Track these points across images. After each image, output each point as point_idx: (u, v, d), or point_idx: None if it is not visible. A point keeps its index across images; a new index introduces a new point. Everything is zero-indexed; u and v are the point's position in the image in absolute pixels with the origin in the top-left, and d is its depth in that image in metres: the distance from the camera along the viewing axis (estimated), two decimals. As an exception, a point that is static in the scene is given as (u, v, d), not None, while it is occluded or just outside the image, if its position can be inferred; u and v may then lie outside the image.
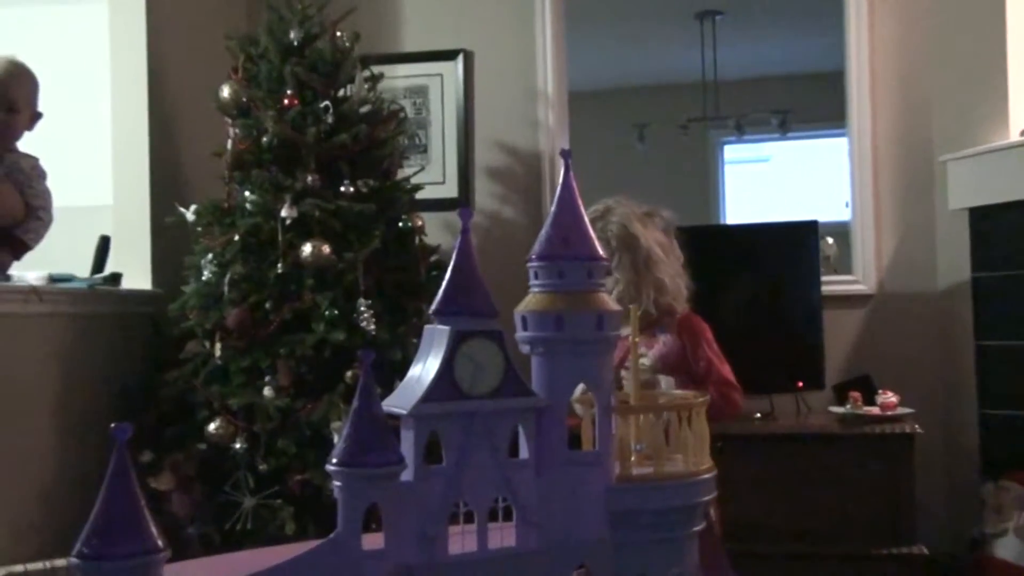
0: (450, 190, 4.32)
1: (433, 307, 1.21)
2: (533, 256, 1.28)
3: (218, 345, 3.16)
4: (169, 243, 3.58)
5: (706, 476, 1.29)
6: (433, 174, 4.26)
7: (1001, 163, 3.56)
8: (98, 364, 3.26)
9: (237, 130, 3.38)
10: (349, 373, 3.12)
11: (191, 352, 3.24)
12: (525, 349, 1.26)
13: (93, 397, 3.23)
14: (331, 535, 1.08)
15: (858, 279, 4.07)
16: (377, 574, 1.07)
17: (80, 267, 3.39)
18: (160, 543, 0.99)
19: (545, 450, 1.22)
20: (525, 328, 1.25)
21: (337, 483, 1.08)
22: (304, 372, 3.15)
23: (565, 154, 1.33)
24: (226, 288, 3.21)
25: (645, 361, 2.77)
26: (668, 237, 2.93)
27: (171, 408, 3.19)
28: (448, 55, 4.34)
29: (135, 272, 3.54)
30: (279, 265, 3.20)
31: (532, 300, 1.26)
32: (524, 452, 1.22)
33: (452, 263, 1.22)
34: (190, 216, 3.40)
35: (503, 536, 1.18)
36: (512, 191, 4.35)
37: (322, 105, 3.38)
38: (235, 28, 3.60)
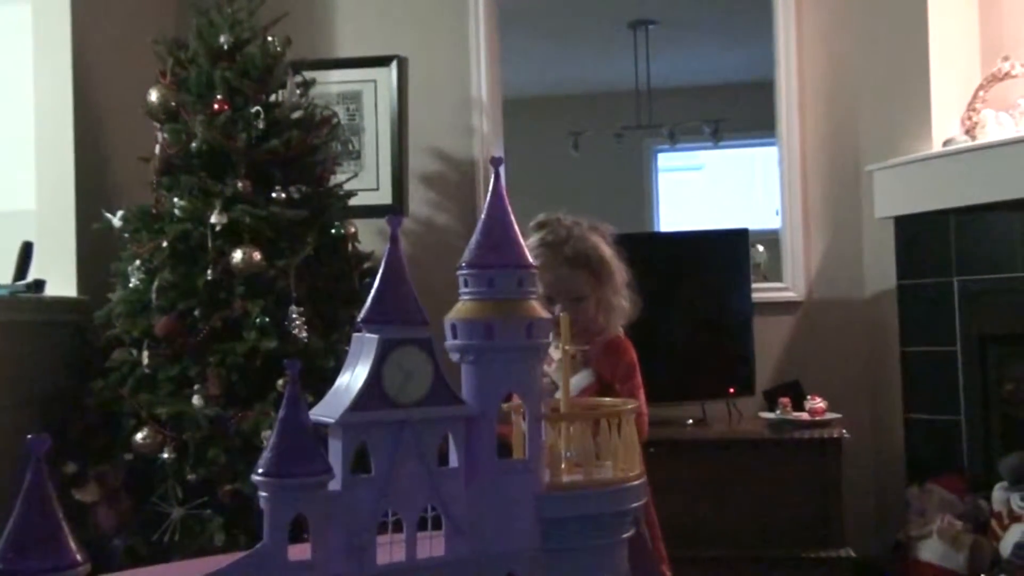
0: (384, 197, 4.29)
1: (362, 315, 1.20)
2: (463, 264, 1.27)
3: (146, 353, 3.10)
4: (95, 249, 3.51)
5: (636, 482, 1.29)
6: (367, 181, 4.24)
7: (925, 173, 3.63)
8: (21, 373, 3.19)
9: (165, 135, 3.33)
10: (280, 382, 3.08)
11: (118, 360, 3.18)
12: (455, 357, 1.26)
13: (15, 407, 3.15)
14: (256, 546, 1.06)
15: (787, 286, 4.13)
16: (304, 586, 1.06)
17: (1, 274, 3.31)
18: (78, 557, 0.96)
19: (475, 459, 1.21)
20: (455, 336, 1.25)
21: (263, 494, 1.07)
22: (235, 381, 3.10)
23: (495, 162, 1.33)
24: (154, 295, 3.16)
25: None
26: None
27: (97, 418, 3.13)
28: (382, 61, 4.32)
29: (59, 279, 3.47)
30: (209, 272, 3.15)
31: (462, 308, 1.26)
32: (453, 461, 1.22)
33: (381, 270, 1.21)
34: (117, 222, 3.33)
35: (432, 545, 1.17)
36: (446, 198, 4.34)
37: (253, 110, 3.33)
38: (163, 32, 3.54)
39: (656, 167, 8.30)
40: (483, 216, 1.29)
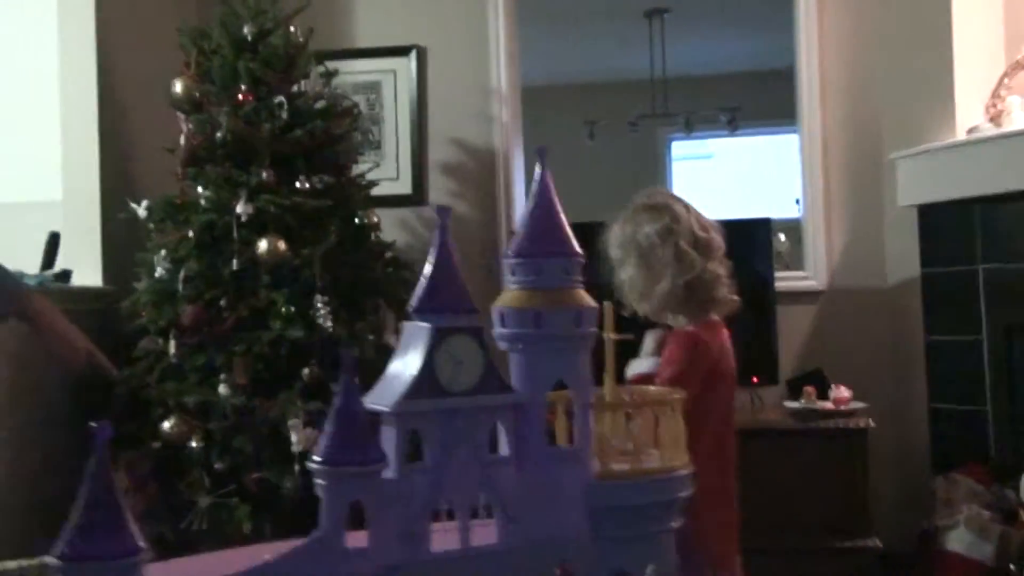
0: (404, 186, 4.30)
1: (413, 304, 1.20)
2: (511, 252, 1.28)
3: (172, 343, 3.12)
4: (119, 240, 3.52)
5: (683, 472, 1.30)
6: (387, 170, 4.24)
7: (949, 161, 3.62)
8: (47, 364, 3.19)
9: (190, 125, 3.34)
10: (306, 370, 3.09)
11: (144, 350, 3.19)
12: (504, 346, 1.26)
13: (44, 396, 3.17)
14: (314, 533, 1.07)
15: (809, 275, 4.12)
16: (362, 572, 1.07)
17: (29, 264, 3.32)
18: (141, 543, 0.97)
19: (525, 446, 1.22)
20: (504, 324, 1.25)
21: (320, 481, 1.07)
22: (260, 370, 3.11)
23: (541, 151, 1.33)
24: (180, 285, 3.17)
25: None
26: None
27: (124, 406, 3.14)
28: (401, 51, 4.32)
29: (85, 269, 3.48)
30: (234, 262, 3.16)
31: (510, 296, 1.26)
32: (503, 449, 1.22)
33: (431, 260, 1.22)
34: (142, 212, 3.35)
35: (484, 533, 1.18)
36: (466, 187, 4.34)
37: (276, 101, 3.34)
38: (186, 22, 3.55)
39: (670, 156, 8.30)
40: (530, 205, 1.29)
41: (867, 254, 4.07)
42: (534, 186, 1.31)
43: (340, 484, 1.07)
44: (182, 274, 3.18)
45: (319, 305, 3.15)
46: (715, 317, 2.40)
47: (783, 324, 3.92)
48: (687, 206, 2.45)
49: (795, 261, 4.37)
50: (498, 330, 1.26)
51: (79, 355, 2.35)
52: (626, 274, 2.38)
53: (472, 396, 1.17)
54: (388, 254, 3.60)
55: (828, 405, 3.56)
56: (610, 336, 1.42)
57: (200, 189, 3.28)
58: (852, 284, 4.08)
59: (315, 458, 1.08)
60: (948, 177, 3.62)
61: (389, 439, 1.14)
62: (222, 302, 3.16)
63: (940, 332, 3.72)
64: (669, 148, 8.28)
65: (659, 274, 2.35)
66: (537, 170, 1.32)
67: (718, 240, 2.44)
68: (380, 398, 1.16)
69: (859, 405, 3.57)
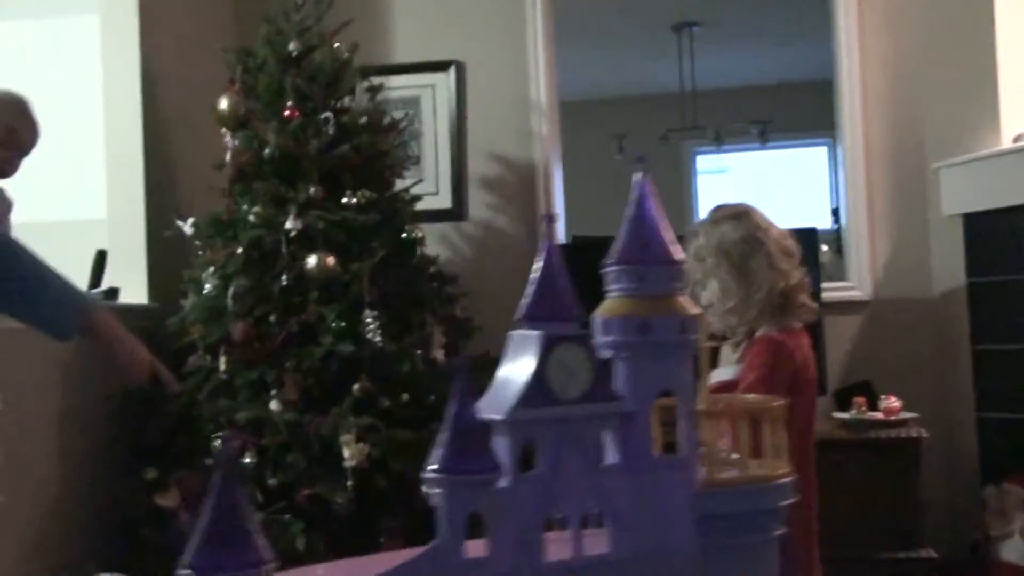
0: (444, 201, 4.30)
1: (522, 312, 1.19)
2: (611, 260, 1.27)
3: (223, 359, 3.12)
4: (164, 257, 3.53)
5: (788, 479, 1.28)
6: (427, 185, 4.24)
7: (994, 169, 3.60)
8: (98, 380, 3.21)
9: (236, 142, 3.35)
10: (356, 385, 3.09)
11: (193, 366, 3.20)
12: (607, 354, 1.25)
13: (94, 414, 3.18)
14: (433, 543, 1.06)
15: (854, 285, 4.09)
16: (482, 583, 1.05)
17: (77, 283, 3.32)
18: (268, 554, 0.96)
19: (631, 455, 1.20)
20: (607, 333, 1.24)
21: (438, 490, 1.06)
22: (311, 385, 3.11)
23: (640, 159, 1.32)
24: (230, 301, 3.17)
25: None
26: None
27: (175, 424, 3.14)
28: (440, 66, 4.33)
29: (131, 286, 3.49)
30: (283, 277, 3.17)
31: (613, 304, 1.25)
32: (609, 458, 1.21)
33: (539, 268, 1.21)
34: (188, 229, 3.36)
35: (594, 542, 1.16)
36: (506, 201, 4.34)
37: (322, 116, 3.35)
38: (227, 40, 3.57)
39: (695, 169, 8.29)
40: (630, 212, 1.28)
41: (912, 264, 4.04)
42: (633, 192, 1.30)
43: (460, 493, 1.06)
44: (231, 290, 3.18)
45: (368, 320, 3.15)
46: (797, 325, 2.37)
47: (829, 335, 3.89)
48: (763, 215, 2.43)
49: (836, 271, 4.35)
50: (601, 338, 1.25)
51: (142, 367, 2.36)
52: (716, 284, 2.36)
53: (583, 404, 1.16)
54: (432, 269, 3.60)
55: (878, 416, 3.54)
56: (703, 344, 1.40)
57: (244, 206, 3.28)
58: (897, 294, 4.05)
59: (431, 467, 1.07)
60: (993, 185, 3.60)
61: (503, 448, 1.12)
62: (272, 318, 3.16)
63: (987, 341, 3.70)
64: (694, 161, 8.28)
65: (755, 282, 2.32)
66: (636, 176, 1.31)
67: (796, 247, 2.43)
68: (491, 407, 1.15)
69: (910, 415, 3.54)
